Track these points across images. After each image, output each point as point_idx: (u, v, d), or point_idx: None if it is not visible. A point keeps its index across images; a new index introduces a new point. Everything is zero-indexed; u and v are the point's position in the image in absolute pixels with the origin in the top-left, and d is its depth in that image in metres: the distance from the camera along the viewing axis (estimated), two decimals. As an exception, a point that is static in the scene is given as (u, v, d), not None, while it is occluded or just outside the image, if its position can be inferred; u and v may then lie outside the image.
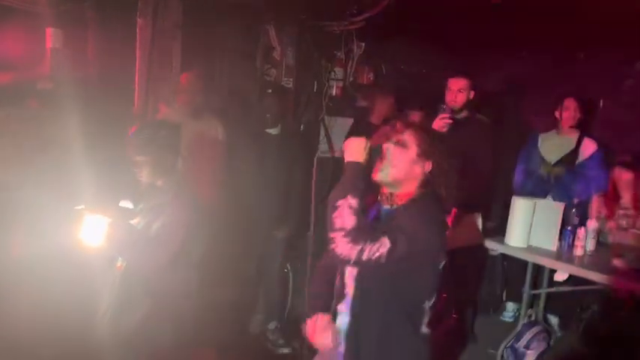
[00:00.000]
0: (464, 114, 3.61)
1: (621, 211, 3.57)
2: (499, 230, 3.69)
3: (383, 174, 1.91)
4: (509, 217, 3.47)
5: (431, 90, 5.02)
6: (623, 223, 3.53)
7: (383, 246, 1.74)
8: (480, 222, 3.61)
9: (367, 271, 1.87)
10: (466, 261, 3.74)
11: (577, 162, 3.96)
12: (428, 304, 1.93)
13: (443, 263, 1.93)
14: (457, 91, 3.56)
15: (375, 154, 1.90)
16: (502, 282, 4.49)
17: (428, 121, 3.21)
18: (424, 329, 1.95)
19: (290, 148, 3.81)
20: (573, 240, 3.43)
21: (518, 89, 5.02)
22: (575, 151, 3.98)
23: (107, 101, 3.41)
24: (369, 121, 4.27)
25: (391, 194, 1.95)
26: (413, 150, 1.90)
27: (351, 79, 4.58)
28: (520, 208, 3.41)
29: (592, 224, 3.47)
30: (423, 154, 1.91)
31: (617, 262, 3.15)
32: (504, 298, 4.51)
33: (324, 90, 4.35)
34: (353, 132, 4.24)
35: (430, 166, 1.92)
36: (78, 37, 3.43)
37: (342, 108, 4.55)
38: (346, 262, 1.79)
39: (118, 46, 3.50)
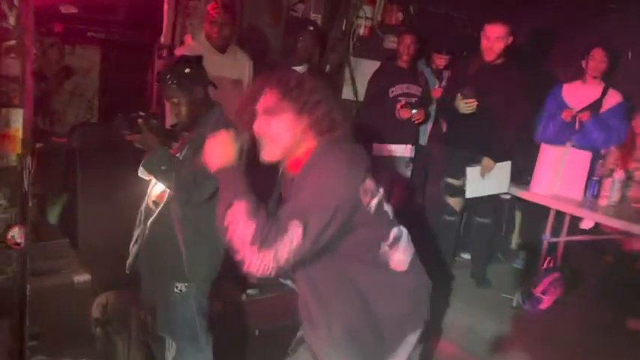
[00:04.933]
0: (500, 60, 3.51)
1: (634, 164, 3.58)
2: (517, 177, 3.71)
3: (267, 154, 1.63)
4: (537, 164, 3.45)
5: (458, 32, 4.95)
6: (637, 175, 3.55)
7: (294, 230, 1.44)
8: (509, 170, 3.60)
9: (302, 268, 1.62)
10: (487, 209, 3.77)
11: (600, 112, 3.92)
12: (385, 245, 1.70)
13: (378, 198, 1.67)
14: (495, 38, 3.43)
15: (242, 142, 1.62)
16: (512, 229, 4.54)
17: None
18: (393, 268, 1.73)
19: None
20: (599, 190, 3.43)
21: (544, 39, 4.89)
22: (599, 101, 3.93)
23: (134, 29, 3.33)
24: (396, 65, 4.18)
25: (287, 165, 1.68)
26: (283, 110, 1.62)
27: (379, 18, 4.44)
28: (549, 155, 3.39)
29: (619, 175, 3.46)
30: (296, 108, 1.61)
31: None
32: (515, 245, 4.57)
33: (352, 29, 4.23)
34: (378, 75, 4.16)
35: (308, 118, 1.63)
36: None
37: (368, 49, 4.44)
38: (270, 274, 1.45)
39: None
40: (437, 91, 4.25)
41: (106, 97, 3.93)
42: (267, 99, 1.63)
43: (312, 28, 3.60)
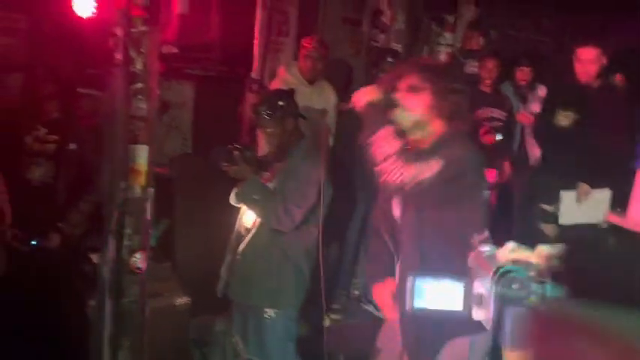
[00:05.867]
0: (596, 83, 3.40)
1: None
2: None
3: (403, 119, 1.82)
4: (636, 191, 3.28)
5: (540, 55, 4.86)
6: None
7: (431, 167, 1.68)
8: (607, 198, 3.45)
9: (415, 200, 1.80)
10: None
11: None
12: (477, 239, 1.78)
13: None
14: (587, 61, 3.34)
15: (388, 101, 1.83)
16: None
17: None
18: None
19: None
20: None
21: (634, 55, 4.68)
22: None
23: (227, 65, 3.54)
24: (478, 89, 4.15)
25: (415, 140, 1.87)
26: (423, 90, 1.83)
27: (459, 44, 4.45)
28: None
29: None
30: (435, 93, 1.83)
31: None
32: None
33: (432, 55, 4.27)
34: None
35: (440, 103, 1.83)
36: (203, 3, 3.56)
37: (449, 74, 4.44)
38: (400, 188, 1.70)
39: (239, 12, 3.60)
40: (523, 115, 4.16)
41: (199, 130, 4.17)
42: (412, 78, 1.84)
43: (391, 59, 3.67)
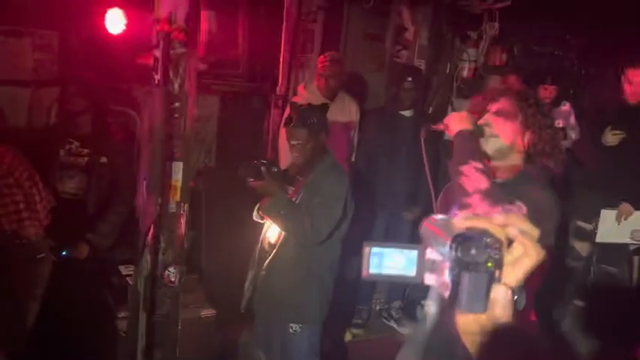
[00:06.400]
0: None
1: None
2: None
3: (488, 144, 1.81)
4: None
5: (565, 71, 4.84)
6: None
7: (520, 209, 1.68)
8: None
9: None
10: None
11: None
12: None
13: None
14: (638, 84, 3.36)
15: (478, 130, 1.82)
16: None
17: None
18: None
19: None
20: None
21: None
22: None
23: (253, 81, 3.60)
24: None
25: (496, 167, 1.85)
26: (514, 118, 1.82)
27: (482, 60, 4.47)
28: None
29: None
30: (524, 123, 1.81)
31: None
32: None
33: (456, 72, 4.29)
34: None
35: (531, 136, 1.81)
36: (230, 20, 3.63)
37: (473, 90, 4.46)
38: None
39: (265, 29, 3.67)
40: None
41: (223, 144, 4.23)
42: (504, 103, 1.83)
43: (410, 79, 3.70)
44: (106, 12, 3.43)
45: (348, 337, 3.83)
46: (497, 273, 0.90)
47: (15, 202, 2.48)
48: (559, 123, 4.12)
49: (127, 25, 3.46)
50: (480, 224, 0.95)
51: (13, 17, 3.47)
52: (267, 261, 2.55)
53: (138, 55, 3.44)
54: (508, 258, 0.92)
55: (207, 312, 3.01)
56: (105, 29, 3.47)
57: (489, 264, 0.89)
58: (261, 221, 2.60)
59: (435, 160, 3.69)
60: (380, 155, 3.77)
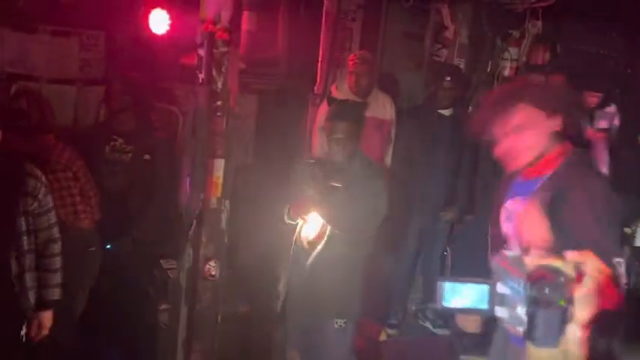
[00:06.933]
0: None
1: None
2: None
3: (514, 165, 1.69)
4: None
5: (609, 70, 4.68)
6: None
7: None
8: None
9: None
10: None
11: None
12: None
13: None
14: None
15: None
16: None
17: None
18: None
19: (461, 129, 3.76)
20: None
21: None
22: None
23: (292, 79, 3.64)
24: (542, 104, 4.07)
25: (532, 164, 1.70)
26: (537, 118, 1.63)
27: (524, 59, 4.37)
28: None
29: None
30: (550, 108, 1.63)
31: None
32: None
33: (497, 71, 4.22)
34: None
35: (560, 120, 1.64)
36: (269, 20, 3.67)
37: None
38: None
39: (305, 28, 3.69)
40: (590, 133, 4.04)
41: (261, 142, 4.28)
42: (519, 115, 1.65)
43: (449, 78, 3.65)
44: (150, 13, 3.53)
45: (382, 336, 3.82)
46: (570, 310, 0.94)
47: (72, 195, 2.62)
48: (602, 124, 4.01)
49: (171, 26, 3.55)
50: (552, 262, 0.96)
51: (62, 18, 3.61)
52: (311, 258, 2.55)
53: (180, 54, 3.52)
54: (579, 294, 0.94)
55: (243, 308, 3.06)
56: (149, 29, 3.56)
57: (562, 302, 0.93)
58: (293, 223, 2.60)
59: (475, 162, 3.68)
60: (417, 153, 3.75)
